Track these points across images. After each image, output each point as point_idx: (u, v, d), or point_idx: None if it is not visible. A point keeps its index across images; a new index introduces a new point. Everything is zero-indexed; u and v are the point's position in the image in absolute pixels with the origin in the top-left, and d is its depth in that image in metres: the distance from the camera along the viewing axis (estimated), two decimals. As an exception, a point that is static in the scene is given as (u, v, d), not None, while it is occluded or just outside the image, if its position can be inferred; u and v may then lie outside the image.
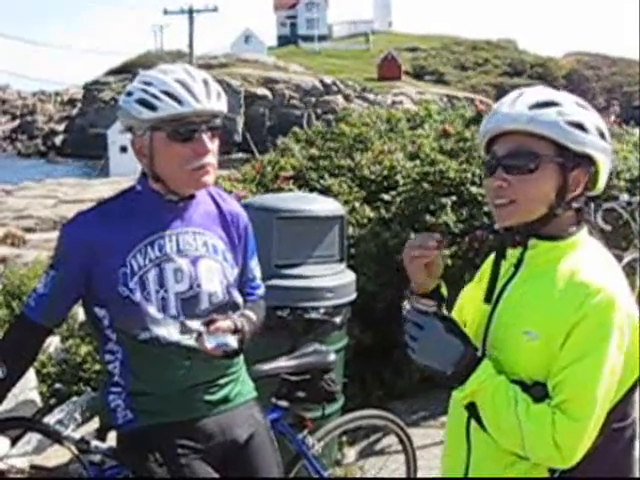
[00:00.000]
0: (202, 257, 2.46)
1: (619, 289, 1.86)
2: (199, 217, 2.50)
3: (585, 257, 1.90)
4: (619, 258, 6.34)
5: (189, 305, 2.41)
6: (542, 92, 1.94)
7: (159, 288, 2.38)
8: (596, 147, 1.88)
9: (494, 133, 1.93)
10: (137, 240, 2.39)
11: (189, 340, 2.35)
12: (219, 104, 2.37)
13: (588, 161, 1.89)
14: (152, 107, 2.31)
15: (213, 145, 2.37)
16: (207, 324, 2.32)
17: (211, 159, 2.36)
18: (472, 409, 1.90)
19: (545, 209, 1.89)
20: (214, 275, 2.48)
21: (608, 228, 6.10)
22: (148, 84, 2.34)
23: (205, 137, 2.33)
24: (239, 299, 2.57)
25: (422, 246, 1.94)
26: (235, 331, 2.37)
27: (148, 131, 2.35)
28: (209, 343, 2.29)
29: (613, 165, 6.56)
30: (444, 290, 2.04)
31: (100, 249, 2.35)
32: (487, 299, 2.00)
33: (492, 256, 2.17)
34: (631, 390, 1.91)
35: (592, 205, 6.10)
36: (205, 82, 2.36)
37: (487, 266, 2.16)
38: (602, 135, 1.90)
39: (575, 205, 1.93)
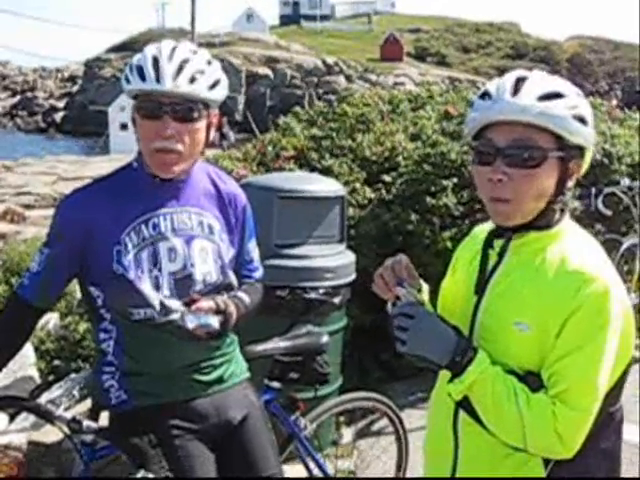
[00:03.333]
0: (196, 237, 2.44)
1: (611, 276, 1.84)
2: (196, 197, 2.48)
3: (573, 245, 1.88)
4: (619, 243, 6.33)
5: (182, 285, 2.39)
6: (546, 81, 1.87)
7: (152, 267, 2.36)
8: (589, 138, 1.86)
9: (493, 121, 1.85)
10: (132, 218, 2.37)
11: (176, 317, 2.32)
12: (190, 86, 2.29)
13: (580, 151, 1.86)
14: (127, 80, 2.33)
15: (184, 131, 2.30)
16: (188, 304, 2.29)
17: (174, 145, 2.29)
18: (464, 402, 1.87)
19: (543, 205, 1.86)
20: (208, 255, 2.46)
21: (609, 213, 6.10)
22: (139, 57, 2.35)
23: (168, 119, 2.27)
24: (234, 280, 2.55)
25: (377, 283, 1.98)
26: (218, 312, 2.33)
27: (132, 102, 2.37)
28: (190, 323, 2.26)
29: (615, 150, 6.56)
30: (424, 295, 2.03)
31: (95, 226, 2.33)
32: (477, 290, 1.96)
33: (462, 247, 2.16)
34: (623, 375, 1.90)
35: (593, 190, 6.09)
36: (184, 62, 2.30)
37: (459, 257, 2.15)
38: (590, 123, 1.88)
39: (566, 196, 1.90)
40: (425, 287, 2.09)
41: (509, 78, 1.89)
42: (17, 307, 2.42)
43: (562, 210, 1.93)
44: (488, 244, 1.98)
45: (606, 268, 1.86)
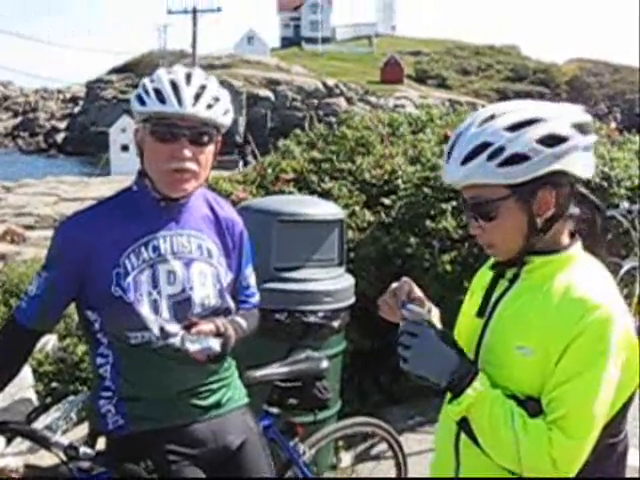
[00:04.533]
0: (195, 260, 2.44)
1: (617, 305, 1.83)
2: (194, 221, 2.48)
3: (581, 272, 1.88)
4: (619, 266, 6.32)
5: (181, 308, 2.39)
6: (473, 138, 1.83)
7: (152, 290, 2.36)
8: (549, 161, 1.79)
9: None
10: (132, 240, 2.37)
11: (176, 341, 2.31)
12: (208, 112, 2.33)
13: (548, 176, 1.80)
14: (142, 102, 2.34)
15: (199, 154, 2.34)
16: (187, 327, 2.29)
17: (191, 166, 2.32)
18: (463, 424, 1.87)
19: (524, 241, 1.87)
20: (207, 279, 2.46)
21: (608, 236, 6.10)
22: (151, 80, 2.37)
23: (185, 142, 2.31)
24: (232, 305, 2.55)
25: (382, 308, 2.01)
26: (218, 334, 2.33)
27: (141, 124, 2.38)
28: (192, 346, 2.26)
29: (614, 173, 6.54)
30: (434, 318, 2.01)
31: (94, 249, 2.33)
32: (480, 313, 1.98)
33: (481, 272, 2.16)
34: (625, 405, 1.88)
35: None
36: (202, 88, 2.34)
37: (477, 282, 2.15)
38: (555, 140, 1.79)
39: (558, 221, 1.87)
40: (435, 311, 2.08)
41: (451, 139, 1.91)
42: (15, 331, 2.40)
43: (573, 235, 1.93)
44: (499, 274, 1.99)
45: (612, 297, 1.85)
